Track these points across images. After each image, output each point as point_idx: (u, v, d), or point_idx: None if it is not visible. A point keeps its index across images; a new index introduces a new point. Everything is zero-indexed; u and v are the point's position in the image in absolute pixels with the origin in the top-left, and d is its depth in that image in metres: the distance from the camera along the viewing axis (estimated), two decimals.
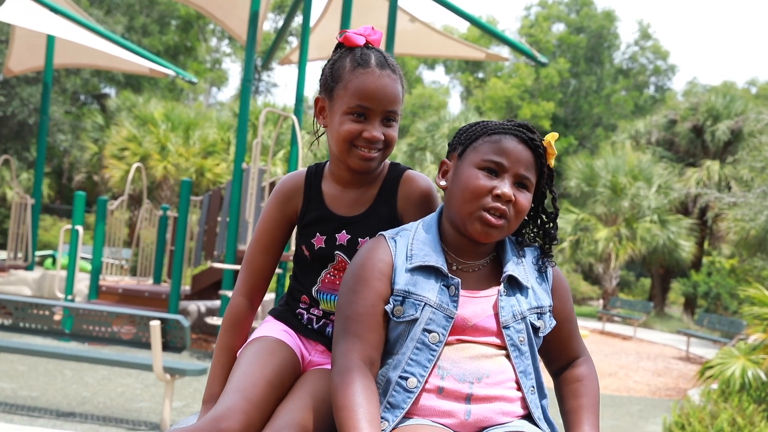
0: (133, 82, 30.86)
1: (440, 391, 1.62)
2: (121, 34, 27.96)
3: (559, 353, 1.81)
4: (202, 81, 36.68)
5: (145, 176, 15.96)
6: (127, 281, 12.83)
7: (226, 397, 1.70)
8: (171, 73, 14.69)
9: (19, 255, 14.10)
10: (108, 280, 12.44)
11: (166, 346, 5.58)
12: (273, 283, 11.92)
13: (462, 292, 1.67)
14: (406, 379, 1.62)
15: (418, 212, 1.86)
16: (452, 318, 1.64)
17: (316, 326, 1.91)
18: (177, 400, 6.85)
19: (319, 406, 1.71)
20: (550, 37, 41.68)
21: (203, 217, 11.43)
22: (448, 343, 1.64)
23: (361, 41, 1.84)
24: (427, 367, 1.62)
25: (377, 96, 1.78)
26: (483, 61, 40.18)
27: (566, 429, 1.74)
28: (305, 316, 1.93)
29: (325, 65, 1.88)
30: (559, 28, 43.47)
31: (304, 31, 10.81)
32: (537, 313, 1.72)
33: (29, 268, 13.77)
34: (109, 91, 33.11)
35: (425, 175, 1.92)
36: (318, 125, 1.93)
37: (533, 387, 1.69)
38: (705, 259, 25.17)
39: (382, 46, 1.91)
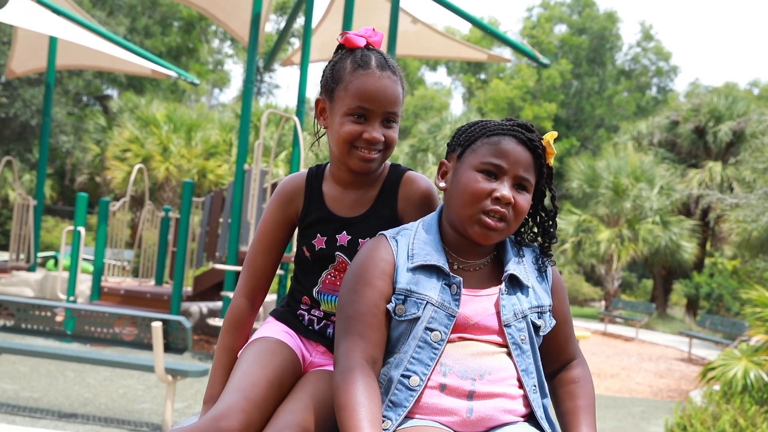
0: (135, 84, 30.89)
1: (443, 388, 1.62)
2: (124, 36, 28.00)
3: (555, 355, 1.81)
4: (204, 82, 36.70)
5: (147, 177, 15.98)
6: (129, 282, 12.83)
7: (225, 396, 1.70)
8: (173, 74, 14.70)
9: (21, 256, 14.11)
10: (110, 281, 12.44)
11: (168, 348, 5.59)
12: (274, 285, 11.93)
13: (463, 290, 1.67)
14: (409, 377, 1.62)
15: (418, 213, 1.86)
16: (454, 316, 1.64)
17: (317, 327, 1.92)
18: (179, 401, 6.85)
19: (320, 407, 1.71)
20: (552, 38, 41.68)
21: (205, 219, 11.44)
22: (450, 341, 1.64)
23: (362, 42, 1.85)
24: (429, 366, 1.62)
25: (377, 97, 1.78)
26: (485, 63, 40.18)
27: (563, 430, 1.74)
28: (306, 317, 1.93)
29: (326, 66, 1.89)
30: (561, 29, 43.46)
31: (306, 33, 10.82)
32: (538, 312, 1.72)
33: (31, 269, 13.78)
34: (112, 92, 33.16)
35: (426, 177, 1.92)
36: (318, 126, 1.94)
37: (535, 386, 1.69)
38: (707, 261, 25.15)
39: (383, 48, 1.92)
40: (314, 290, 1.91)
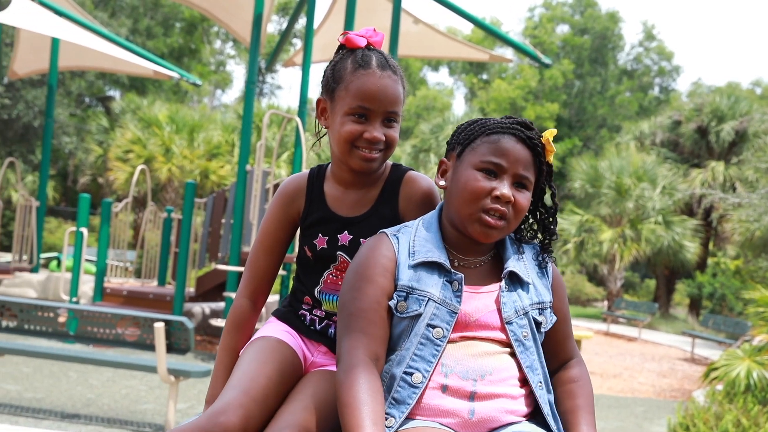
0: (137, 85, 30.92)
1: (444, 389, 1.62)
2: (126, 37, 28.02)
3: (553, 353, 1.80)
4: (206, 83, 36.72)
5: (150, 178, 15.98)
6: (131, 283, 12.84)
7: (225, 393, 1.71)
8: (175, 75, 14.71)
9: (24, 257, 14.13)
10: (112, 282, 12.45)
11: (171, 348, 5.59)
12: (276, 285, 11.93)
13: (464, 287, 1.67)
14: (411, 374, 1.62)
15: (419, 213, 1.86)
16: (456, 313, 1.64)
17: (318, 327, 1.92)
18: (181, 401, 6.86)
19: (322, 407, 1.71)
20: (554, 38, 41.66)
21: (207, 219, 11.45)
22: (451, 341, 1.64)
23: (363, 43, 1.85)
24: (431, 362, 1.62)
25: (378, 97, 1.79)
26: (487, 63, 40.17)
27: (563, 429, 1.73)
28: (308, 317, 1.93)
29: (327, 66, 1.90)
30: (563, 29, 43.43)
31: (308, 33, 10.83)
32: (538, 309, 1.72)
33: (34, 270, 13.80)
34: (114, 93, 33.18)
35: (427, 177, 1.92)
36: (320, 126, 1.94)
37: (541, 382, 1.69)
38: (710, 260, 25.13)
39: (385, 48, 1.92)
40: (316, 290, 1.92)
